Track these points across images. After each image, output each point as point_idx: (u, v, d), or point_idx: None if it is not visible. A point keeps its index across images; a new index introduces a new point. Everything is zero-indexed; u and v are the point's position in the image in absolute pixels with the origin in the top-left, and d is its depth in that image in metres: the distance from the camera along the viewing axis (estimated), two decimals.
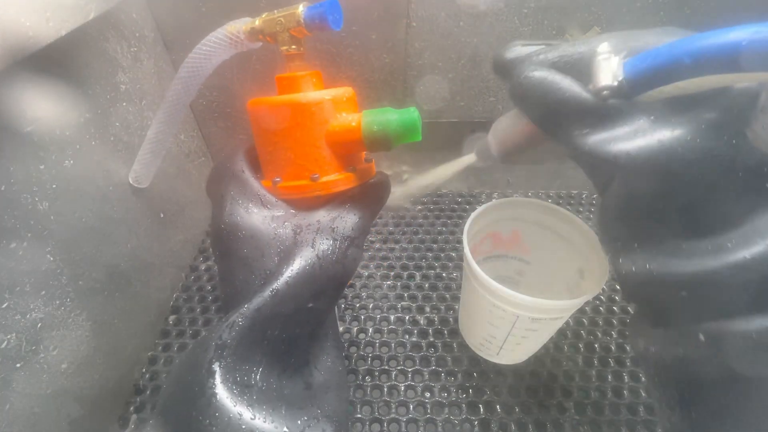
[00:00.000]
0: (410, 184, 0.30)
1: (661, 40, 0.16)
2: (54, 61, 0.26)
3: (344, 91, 0.22)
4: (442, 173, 0.28)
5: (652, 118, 0.16)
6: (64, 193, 0.27)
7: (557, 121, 0.18)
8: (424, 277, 0.44)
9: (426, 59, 0.43)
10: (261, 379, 0.18)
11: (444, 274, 0.44)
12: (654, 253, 0.17)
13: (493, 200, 0.33)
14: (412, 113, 0.21)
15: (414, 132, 0.21)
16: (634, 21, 0.40)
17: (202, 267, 0.45)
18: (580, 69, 0.17)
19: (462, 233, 0.30)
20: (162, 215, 0.40)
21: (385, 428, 0.32)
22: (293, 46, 0.22)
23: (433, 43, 0.41)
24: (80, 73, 0.29)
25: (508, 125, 0.23)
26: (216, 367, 0.17)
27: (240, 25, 0.23)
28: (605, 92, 0.16)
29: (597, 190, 0.21)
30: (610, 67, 0.16)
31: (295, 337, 0.20)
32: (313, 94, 0.21)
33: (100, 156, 0.31)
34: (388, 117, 0.21)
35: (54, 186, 0.26)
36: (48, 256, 0.26)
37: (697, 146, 0.15)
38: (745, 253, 0.14)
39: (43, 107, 0.26)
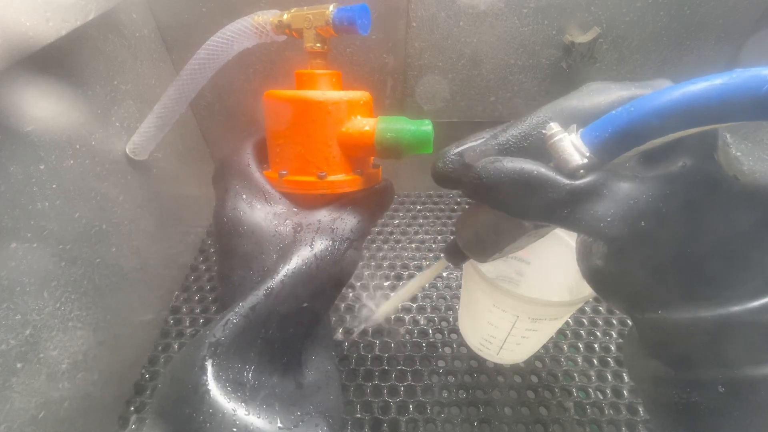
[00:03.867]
0: (388, 304, 0.30)
1: (592, 101, 0.16)
2: (54, 61, 0.26)
3: (361, 95, 0.22)
4: (417, 284, 0.29)
5: (628, 184, 0.15)
6: (64, 193, 0.27)
7: (536, 208, 0.17)
8: None
9: (426, 59, 0.43)
10: (254, 377, 0.18)
11: (444, 274, 0.44)
12: (672, 308, 0.16)
13: None
14: (426, 126, 0.21)
15: (426, 145, 0.21)
16: (634, 21, 0.40)
17: (202, 267, 0.45)
18: (533, 151, 0.17)
19: None
20: (162, 215, 0.40)
21: (385, 428, 0.32)
22: (318, 44, 0.23)
23: (433, 43, 0.41)
24: (80, 73, 0.29)
25: (473, 222, 0.21)
26: (209, 364, 0.17)
27: (268, 17, 0.24)
28: (581, 171, 0.15)
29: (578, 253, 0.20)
30: (570, 145, 0.15)
31: (289, 337, 0.20)
32: (331, 93, 0.22)
33: (100, 156, 0.31)
34: (403, 126, 0.21)
35: (54, 186, 0.26)
36: (48, 256, 0.26)
37: (680, 200, 0.15)
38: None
39: (43, 107, 0.26)
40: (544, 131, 0.16)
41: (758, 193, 0.15)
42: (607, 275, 0.17)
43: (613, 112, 0.15)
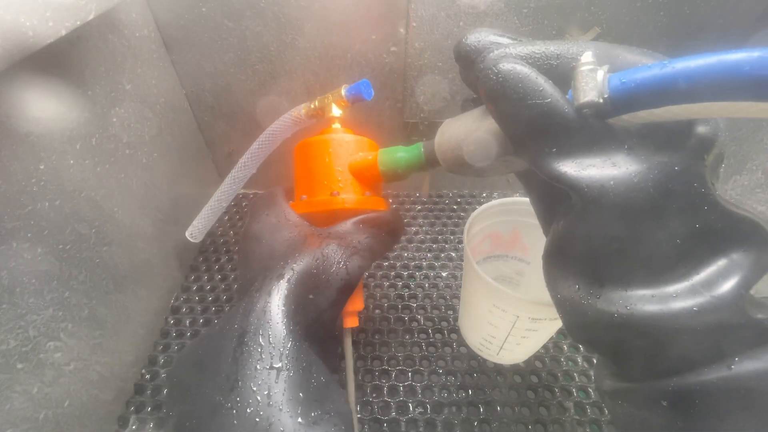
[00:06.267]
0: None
1: (641, 60, 0.15)
2: (54, 61, 0.26)
3: (364, 139, 0.29)
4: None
5: (626, 147, 0.15)
6: (64, 193, 0.27)
7: (531, 131, 0.15)
8: (424, 277, 0.44)
9: (426, 59, 0.43)
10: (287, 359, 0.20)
11: (444, 274, 0.44)
12: (619, 296, 0.15)
13: (493, 200, 0.33)
14: (416, 149, 0.24)
15: (419, 166, 0.24)
16: (634, 21, 0.40)
17: (202, 267, 0.45)
18: (555, 75, 0.15)
19: (462, 233, 0.30)
20: (162, 215, 0.40)
21: (385, 428, 0.32)
22: (338, 112, 0.30)
23: (433, 43, 0.41)
24: (80, 73, 0.29)
25: (462, 130, 0.21)
26: (239, 354, 0.19)
27: (301, 108, 0.32)
28: (586, 110, 0.14)
29: (542, 220, 0.19)
30: (594, 81, 0.14)
31: (297, 324, 0.21)
32: (342, 134, 0.29)
33: (100, 156, 0.31)
34: (398, 156, 0.25)
35: (54, 186, 0.26)
36: (48, 256, 0.26)
37: (667, 190, 0.14)
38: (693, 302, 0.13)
39: (43, 107, 0.26)
40: (580, 58, 0.15)
41: (720, 205, 0.14)
42: (567, 235, 0.16)
43: (646, 65, 0.14)
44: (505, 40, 0.17)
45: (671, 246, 0.14)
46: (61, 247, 0.27)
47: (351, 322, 0.28)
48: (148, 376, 0.36)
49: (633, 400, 0.15)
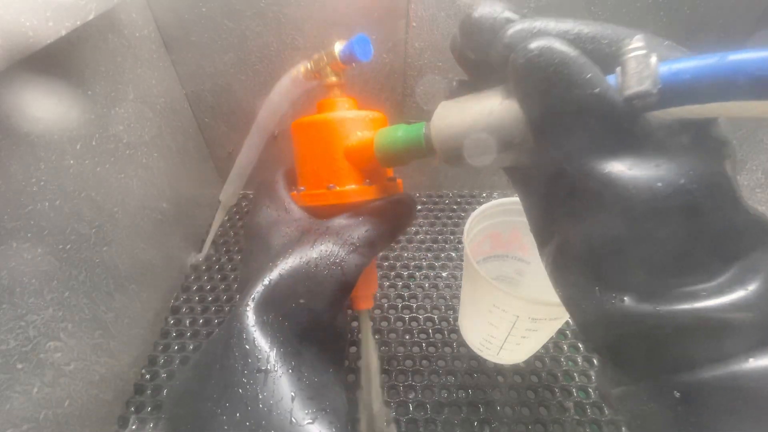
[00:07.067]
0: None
1: (671, 54, 0.14)
2: (54, 61, 0.26)
3: (369, 114, 0.24)
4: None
5: (667, 146, 0.13)
6: (64, 193, 0.27)
7: (571, 124, 0.13)
8: (424, 277, 0.44)
9: (426, 59, 0.43)
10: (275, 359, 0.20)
11: (444, 274, 0.44)
12: (655, 296, 0.14)
13: (493, 200, 0.33)
14: (417, 129, 0.20)
15: (419, 151, 0.20)
16: (634, 21, 0.40)
17: (202, 267, 0.45)
18: (596, 58, 0.13)
19: (462, 233, 0.30)
20: (162, 215, 0.40)
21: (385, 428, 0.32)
22: (333, 78, 0.25)
23: (433, 43, 0.41)
24: (80, 73, 0.29)
25: (468, 116, 0.17)
26: (224, 360, 0.19)
27: (300, 68, 0.28)
28: (636, 101, 0.12)
29: (538, 220, 0.18)
30: (648, 68, 0.12)
31: (289, 332, 0.21)
32: (334, 114, 0.24)
33: (100, 156, 0.31)
34: (396, 134, 0.21)
35: (54, 186, 0.26)
36: (48, 256, 0.26)
37: (707, 192, 0.13)
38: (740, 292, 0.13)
39: (43, 107, 0.26)
40: (626, 42, 0.13)
41: (744, 206, 0.14)
42: (594, 238, 0.14)
43: (701, 55, 0.12)
44: (517, 17, 0.15)
45: (706, 246, 0.14)
46: (61, 247, 0.27)
47: (365, 304, 0.27)
48: (148, 376, 0.36)
49: (655, 399, 0.15)
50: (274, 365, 0.19)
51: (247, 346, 0.19)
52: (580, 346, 0.37)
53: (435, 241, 0.48)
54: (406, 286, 0.43)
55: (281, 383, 0.18)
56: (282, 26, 0.40)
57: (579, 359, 0.36)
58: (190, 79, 0.44)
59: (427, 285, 0.43)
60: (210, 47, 0.41)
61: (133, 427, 0.33)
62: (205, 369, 0.20)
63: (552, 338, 0.36)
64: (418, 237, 0.48)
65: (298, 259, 0.21)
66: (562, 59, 0.13)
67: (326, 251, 0.21)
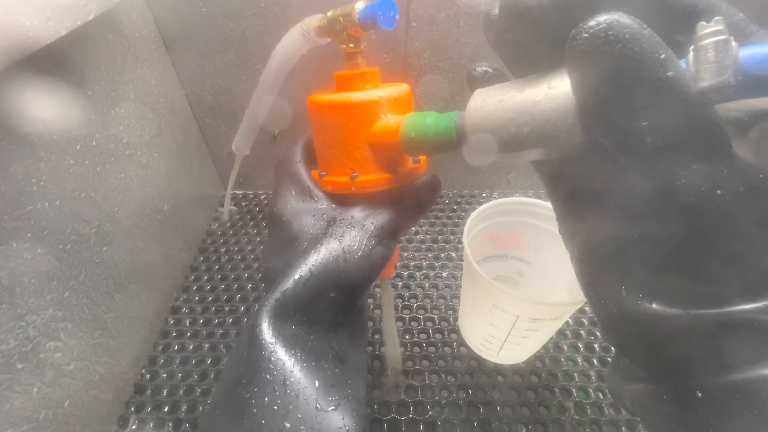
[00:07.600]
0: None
1: (745, 31, 0.13)
2: (54, 61, 0.26)
3: (395, 90, 0.21)
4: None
5: (730, 144, 0.12)
6: (64, 193, 0.27)
7: (631, 105, 0.12)
8: (424, 277, 0.44)
9: (426, 59, 0.43)
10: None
11: (444, 274, 0.44)
12: (674, 300, 0.13)
13: (493, 200, 0.33)
14: (449, 119, 0.18)
15: (449, 140, 0.18)
16: None
17: (202, 267, 0.45)
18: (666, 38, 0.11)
19: (462, 233, 0.30)
20: (162, 215, 0.40)
21: (385, 428, 0.32)
22: (351, 45, 0.23)
23: (433, 43, 0.41)
24: (80, 73, 0.29)
25: (512, 104, 0.15)
26: (251, 349, 0.19)
27: (311, 22, 0.25)
28: (712, 93, 0.11)
29: (568, 218, 0.17)
30: (729, 56, 0.11)
31: (317, 324, 0.21)
32: (358, 95, 0.21)
33: (100, 156, 0.31)
34: (426, 122, 0.19)
35: (54, 186, 0.26)
36: (48, 256, 0.26)
37: (758, 196, 0.12)
38: None
39: (43, 107, 0.26)
40: (702, 23, 0.11)
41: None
42: (637, 238, 0.13)
43: None
44: None
45: (749, 248, 0.13)
46: (61, 247, 0.27)
47: (387, 272, 0.26)
48: (148, 376, 0.36)
49: (675, 400, 0.15)
50: (299, 354, 0.19)
51: (271, 337, 0.19)
52: (580, 346, 0.37)
53: (435, 241, 0.48)
54: (406, 286, 0.43)
55: (307, 371, 0.19)
56: (282, 26, 0.40)
57: (579, 359, 0.36)
58: (190, 79, 0.44)
59: (427, 285, 0.43)
60: (210, 47, 0.41)
61: (133, 427, 0.33)
62: (236, 356, 0.20)
63: (552, 338, 0.36)
64: (418, 237, 0.48)
65: (327, 255, 0.21)
66: (633, 35, 0.11)
67: (353, 245, 0.21)
